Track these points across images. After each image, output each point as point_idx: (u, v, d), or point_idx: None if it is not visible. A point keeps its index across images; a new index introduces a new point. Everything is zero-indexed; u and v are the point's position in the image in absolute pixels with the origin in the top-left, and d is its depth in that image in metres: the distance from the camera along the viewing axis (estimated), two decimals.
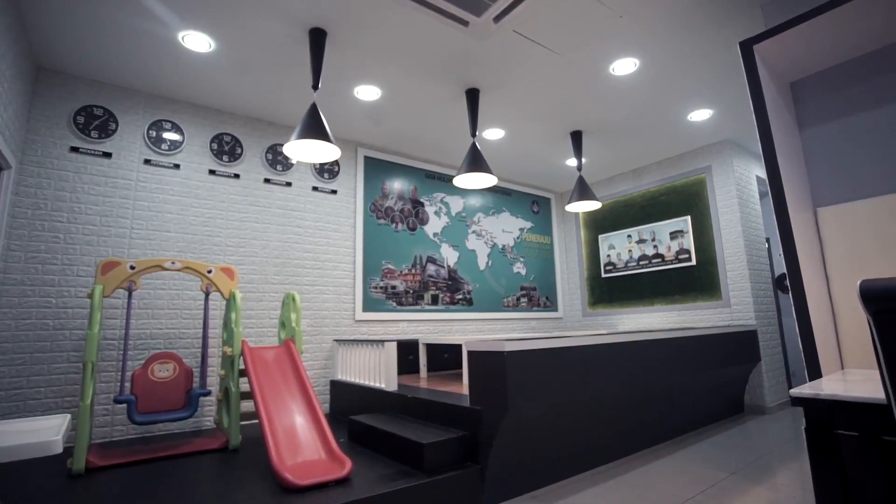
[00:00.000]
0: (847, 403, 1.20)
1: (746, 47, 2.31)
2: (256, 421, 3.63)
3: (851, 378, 1.59)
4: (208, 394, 2.94)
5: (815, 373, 2.02)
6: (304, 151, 2.98)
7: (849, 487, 1.19)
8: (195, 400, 2.87)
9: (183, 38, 2.96)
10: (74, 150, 3.26)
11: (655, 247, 5.27)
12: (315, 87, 2.92)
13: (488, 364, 2.37)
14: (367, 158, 4.68)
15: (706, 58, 3.31)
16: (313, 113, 2.85)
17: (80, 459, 2.34)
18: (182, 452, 2.71)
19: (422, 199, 5.03)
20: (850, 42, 2.34)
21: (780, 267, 5.69)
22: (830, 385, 1.38)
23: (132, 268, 2.80)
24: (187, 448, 2.77)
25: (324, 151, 3.00)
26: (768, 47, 2.36)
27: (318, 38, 2.91)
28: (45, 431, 1.07)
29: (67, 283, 3.12)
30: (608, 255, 5.77)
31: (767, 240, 5.57)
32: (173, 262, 2.93)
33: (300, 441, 2.44)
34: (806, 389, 1.27)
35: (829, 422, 1.23)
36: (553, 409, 2.53)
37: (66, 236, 3.16)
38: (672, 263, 5.10)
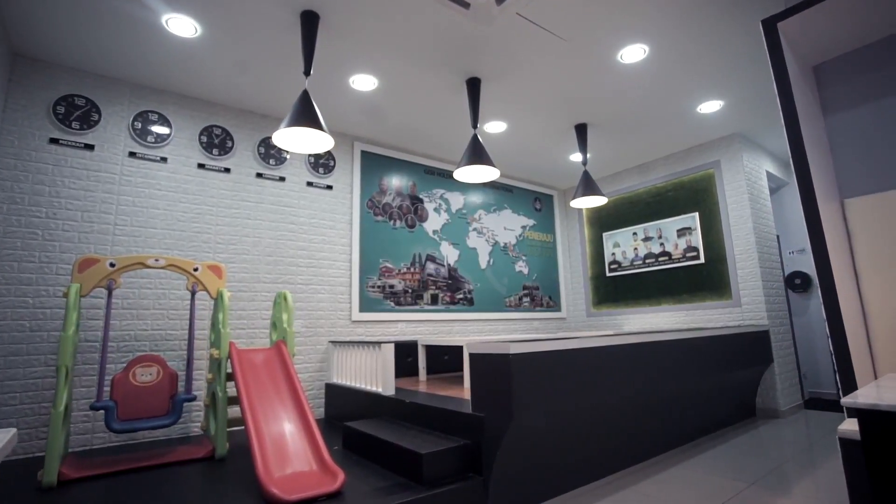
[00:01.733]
0: None
1: (770, 25, 2.15)
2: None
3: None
4: (194, 399, 2.77)
5: (848, 379, 1.85)
6: (294, 141, 2.82)
7: None
8: (179, 406, 2.70)
9: (167, 22, 2.79)
10: (54, 141, 3.09)
11: (662, 244, 5.10)
12: (307, 73, 2.75)
13: (492, 367, 2.20)
14: (363, 153, 4.51)
15: (718, 44, 3.14)
16: (305, 100, 2.68)
17: (52, 471, 2.17)
18: (164, 462, 2.54)
19: (421, 196, 4.86)
20: (877, 21, 2.18)
21: (790, 265, 5.53)
22: (881, 394, 1.21)
23: (112, 265, 2.63)
24: (171, 457, 2.60)
25: (316, 141, 2.83)
26: (791, 26, 2.19)
27: (310, 22, 2.74)
28: None
29: (45, 283, 2.95)
30: (613, 254, 5.60)
31: (777, 237, 5.40)
32: (157, 260, 2.76)
33: (289, 451, 2.27)
34: (862, 398, 1.10)
35: (890, 435, 1.06)
36: (560, 416, 2.36)
37: (44, 232, 2.99)
38: (679, 262, 4.93)
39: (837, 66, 2.33)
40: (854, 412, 1.12)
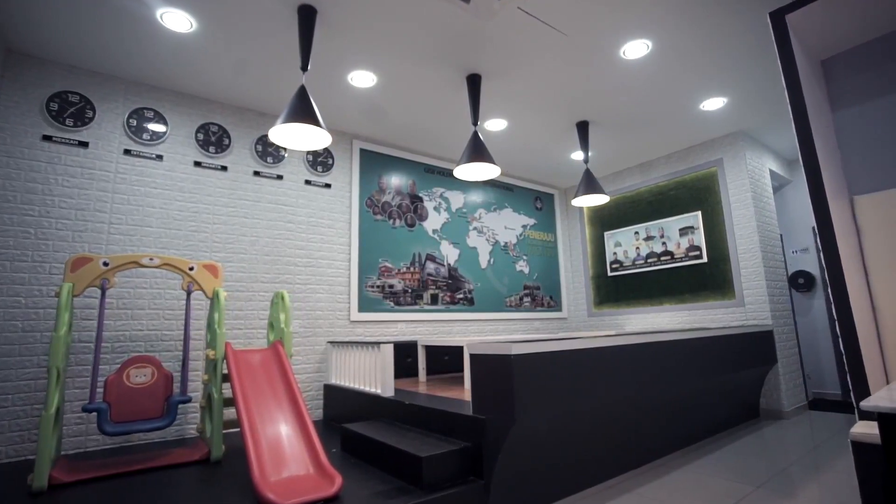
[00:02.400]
0: None
1: (778, 17, 2.10)
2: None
3: None
4: (189, 400, 2.72)
5: (860, 381, 1.80)
6: (291, 137, 2.76)
7: None
8: (174, 408, 2.64)
9: (162, 17, 2.74)
10: (47, 138, 3.04)
11: (664, 244, 5.05)
12: (304, 68, 2.70)
13: (493, 368, 2.15)
14: (363, 151, 4.46)
15: (722, 40, 3.09)
16: (302, 95, 2.63)
17: (42, 475, 2.11)
18: (159, 465, 2.49)
19: (421, 195, 4.81)
20: (887, 14, 2.13)
21: (793, 264, 5.48)
22: (894, 395, 1.16)
23: (106, 264, 2.58)
24: (165, 460, 2.54)
25: (313, 138, 2.78)
26: (799, 19, 2.14)
27: (307, 16, 2.69)
28: None
29: (38, 282, 2.90)
30: (614, 253, 5.55)
31: (780, 236, 5.35)
32: (151, 259, 2.71)
33: (286, 454, 2.22)
34: (883, 402, 1.05)
35: None
36: (563, 417, 2.31)
37: (37, 231, 2.93)
38: (682, 261, 4.88)
39: (846, 60, 2.28)
40: (874, 416, 1.07)
